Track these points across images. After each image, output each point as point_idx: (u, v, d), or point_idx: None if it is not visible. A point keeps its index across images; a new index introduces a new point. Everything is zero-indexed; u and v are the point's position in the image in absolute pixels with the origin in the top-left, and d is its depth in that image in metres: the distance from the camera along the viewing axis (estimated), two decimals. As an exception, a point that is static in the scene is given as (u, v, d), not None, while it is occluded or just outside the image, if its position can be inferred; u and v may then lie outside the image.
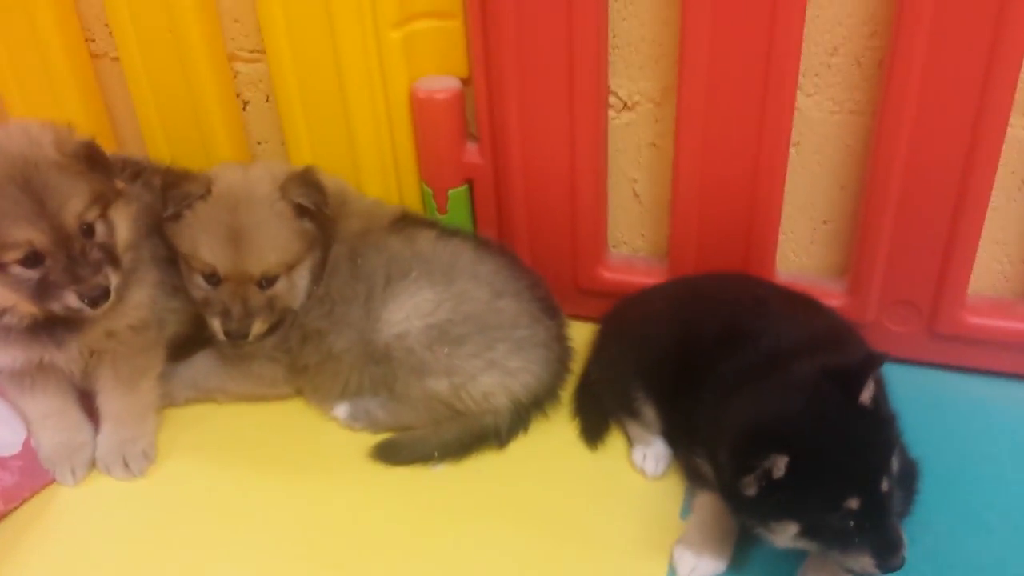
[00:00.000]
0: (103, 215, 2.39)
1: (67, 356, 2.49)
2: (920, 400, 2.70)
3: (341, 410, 2.82)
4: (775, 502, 1.90)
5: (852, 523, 1.94)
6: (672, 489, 2.53)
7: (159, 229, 2.71)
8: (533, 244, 3.10)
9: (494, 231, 3.13)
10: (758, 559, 2.26)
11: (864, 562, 1.97)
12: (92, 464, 2.68)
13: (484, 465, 2.70)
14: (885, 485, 1.97)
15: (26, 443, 2.68)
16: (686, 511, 2.45)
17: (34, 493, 2.58)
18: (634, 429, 2.66)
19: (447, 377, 2.69)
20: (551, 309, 2.88)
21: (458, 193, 3.08)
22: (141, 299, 2.65)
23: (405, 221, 2.91)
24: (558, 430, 2.79)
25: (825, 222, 2.93)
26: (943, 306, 2.77)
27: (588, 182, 2.93)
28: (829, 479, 1.94)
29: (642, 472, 2.60)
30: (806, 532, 1.99)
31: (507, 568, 2.35)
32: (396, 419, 2.77)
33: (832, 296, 2.85)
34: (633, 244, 3.19)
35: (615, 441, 2.73)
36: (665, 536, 2.37)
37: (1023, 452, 2.58)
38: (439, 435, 2.71)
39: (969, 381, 2.85)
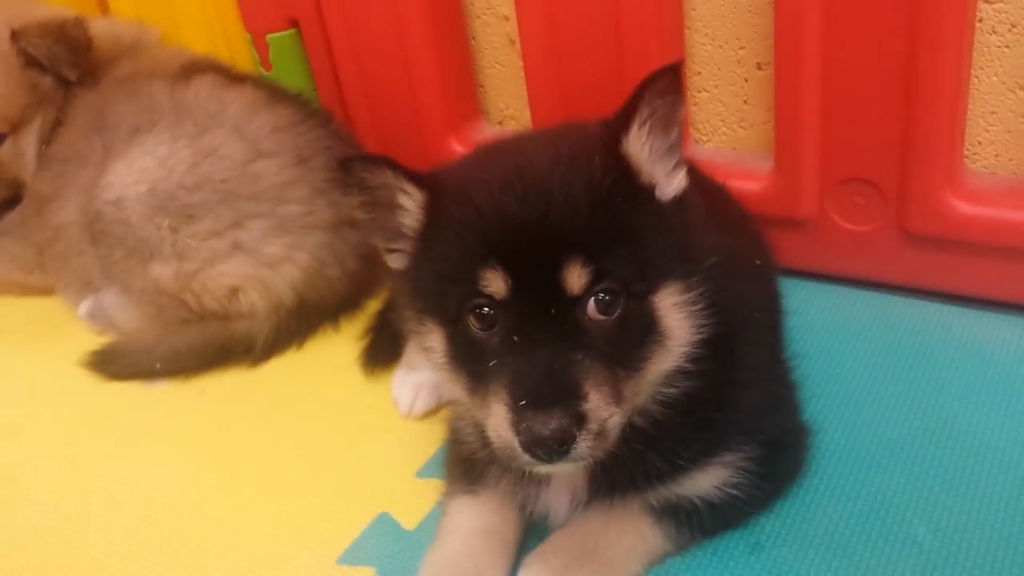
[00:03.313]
0: None
1: None
2: (890, 344, 1.75)
3: (83, 308, 2.15)
4: (414, 274, 1.25)
5: (498, 331, 1.13)
6: (424, 443, 1.68)
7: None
8: (374, 111, 2.31)
9: (334, 95, 2.37)
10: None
11: (498, 413, 1.10)
12: None
13: (224, 384, 1.94)
14: (577, 280, 1.10)
15: None
16: (428, 470, 1.62)
17: None
18: (410, 347, 1.82)
19: (176, 261, 1.95)
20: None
21: (281, 39, 2.33)
22: None
23: (195, 67, 2.20)
24: (343, 348, 1.98)
25: (760, 67, 1.94)
26: (917, 185, 1.72)
27: (429, 20, 2.10)
28: (472, 240, 1.14)
29: (396, 405, 1.76)
30: (449, 342, 1.19)
31: (208, 504, 1.65)
32: (129, 320, 2.06)
33: (755, 178, 1.88)
34: (521, 117, 2.31)
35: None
36: (381, 494, 1.60)
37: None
38: (169, 342, 1.98)
39: (957, 314, 1.78)
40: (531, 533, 1.40)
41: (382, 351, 1.92)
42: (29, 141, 2.20)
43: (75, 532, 1.61)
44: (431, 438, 1.67)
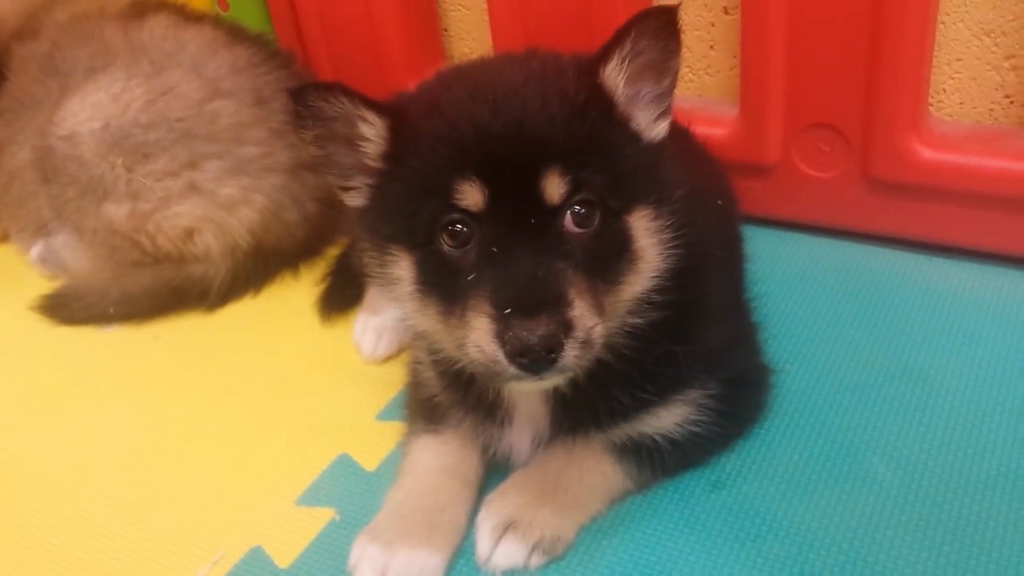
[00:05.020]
0: None
1: None
2: (853, 291, 1.75)
3: (33, 251, 2.09)
4: (379, 203, 1.19)
5: (473, 247, 1.10)
6: (384, 387, 1.65)
7: None
8: (334, 55, 2.26)
9: (293, 38, 2.31)
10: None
11: (480, 326, 1.06)
12: None
13: (180, 329, 1.90)
14: (556, 189, 1.08)
15: None
16: (389, 413, 1.59)
17: None
18: (371, 290, 1.79)
19: (130, 201, 1.90)
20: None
21: (238, -22, 2.27)
22: None
23: (146, 6, 2.13)
24: (302, 294, 1.95)
25: (727, 11, 1.92)
26: (882, 131, 1.72)
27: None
28: (446, 153, 1.10)
29: (358, 349, 1.73)
30: (419, 267, 1.14)
31: (164, 448, 1.62)
32: (80, 262, 2.01)
33: (720, 124, 1.87)
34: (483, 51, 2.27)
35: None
36: (341, 436, 1.57)
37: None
38: (122, 285, 1.93)
39: (919, 261, 1.79)
40: (493, 473, 1.39)
41: (340, 297, 1.89)
42: None
43: (27, 477, 1.57)
44: (391, 382, 1.65)
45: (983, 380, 1.50)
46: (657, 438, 1.32)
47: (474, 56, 2.28)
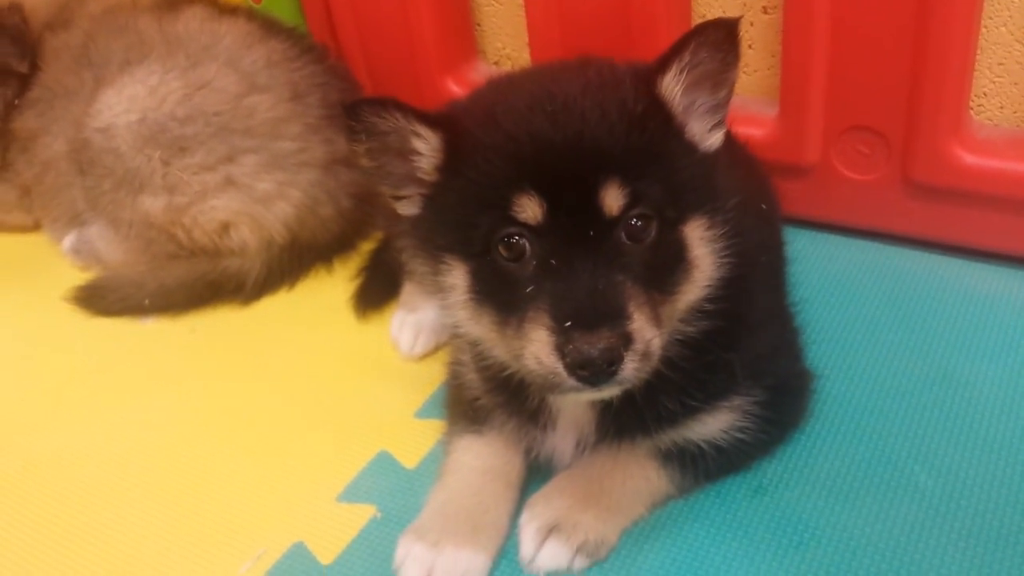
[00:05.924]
0: None
1: None
2: (891, 294, 1.74)
3: (67, 242, 2.10)
4: (433, 213, 1.19)
5: (531, 259, 1.09)
6: (422, 384, 1.66)
7: None
8: (367, 50, 2.25)
9: (326, 33, 2.31)
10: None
11: (539, 338, 1.06)
12: None
13: (216, 323, 1.91)
14: (615, 201, 1.07)
15: None
16: (427, 411, 1.59)
17: None
18: (407, 287, 1.80)
19: (166, 194, 1.90)
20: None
21: (273, -28, 2.27)
22: None
23: (178, -1, 2.13)
24: (336, 289, 1.95)
25: (766, 11, 1.91)
26: (923, 135, 1.71)
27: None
28: (503, 165, 1.09)
29: (396, 346, 1.73)
30: (474, 277, 1.14)
31: (203, 443, 1.62)
32: (115, 254, 2.02)
33: (758, 123, 1.86)
34: (519, 58, 2.27)
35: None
36: (379, 433, 1.58)
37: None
38: (158, 277, 1.94)
39: (958, 266, 1.78)
40: (535, 475, 1.39)
41: (375, 292, 1.89)
42: None
43: (64, 471, 1.58)
44: (429, 379, 1.65)
45: (1023, 387, 1.50)
46: (702, 444, 1.32)
47: (507, 51, 2.28)
